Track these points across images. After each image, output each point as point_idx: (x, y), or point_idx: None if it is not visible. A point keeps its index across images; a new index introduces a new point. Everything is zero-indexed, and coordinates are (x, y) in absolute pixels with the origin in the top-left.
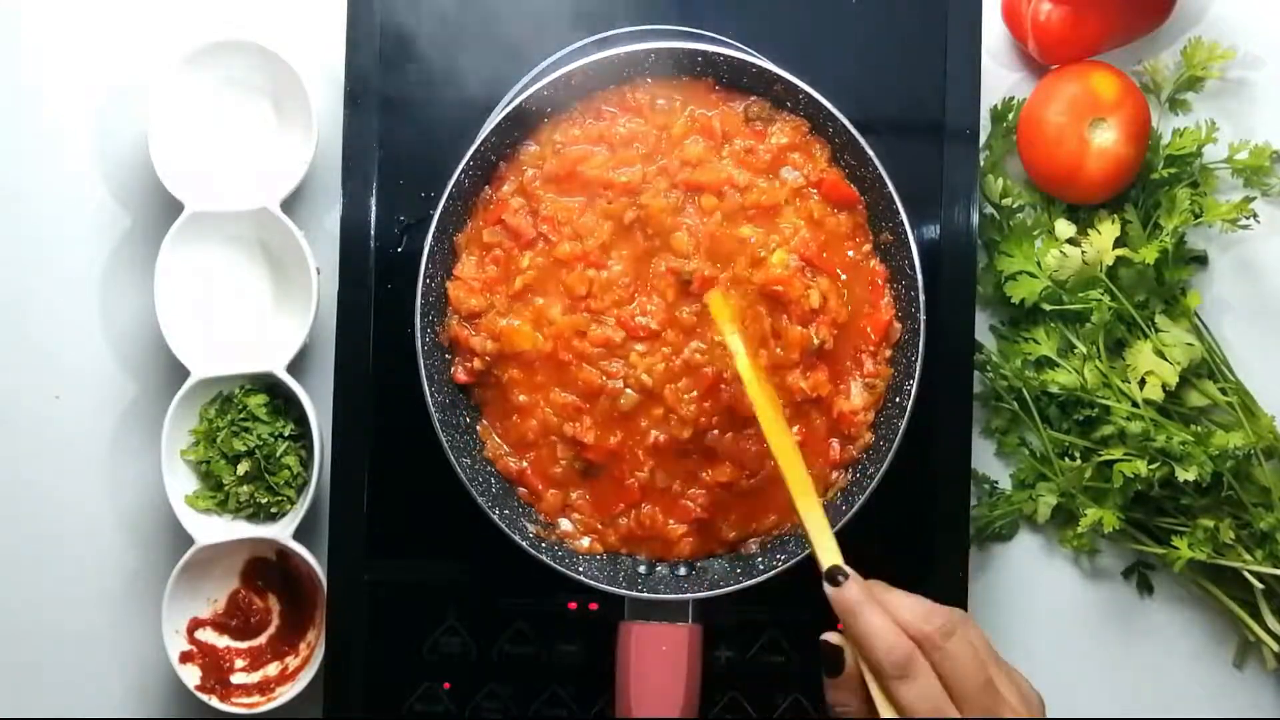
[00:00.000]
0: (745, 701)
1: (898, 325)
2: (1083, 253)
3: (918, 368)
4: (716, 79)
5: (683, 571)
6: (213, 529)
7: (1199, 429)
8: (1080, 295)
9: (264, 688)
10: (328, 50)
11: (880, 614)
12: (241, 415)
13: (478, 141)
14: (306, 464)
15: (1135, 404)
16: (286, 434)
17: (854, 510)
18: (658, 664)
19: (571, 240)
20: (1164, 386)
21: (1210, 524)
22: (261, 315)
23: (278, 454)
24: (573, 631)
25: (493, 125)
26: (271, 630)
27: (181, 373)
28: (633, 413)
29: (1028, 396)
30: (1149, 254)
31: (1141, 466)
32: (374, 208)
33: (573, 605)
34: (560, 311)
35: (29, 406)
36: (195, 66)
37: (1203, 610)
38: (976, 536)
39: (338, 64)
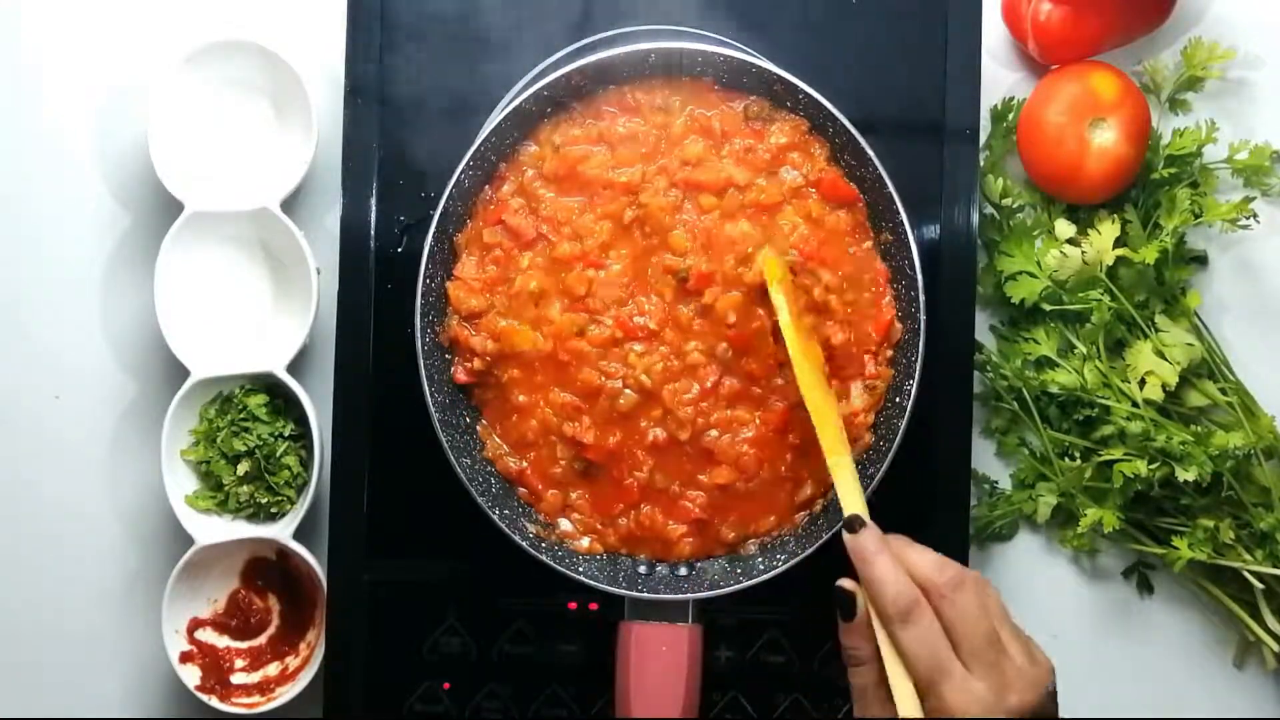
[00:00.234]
0: (745, 701)
1: (898, 325)
2: (1083, 253)
3: (918, 368)
4: (716, 79)
5: (683, 572)
6: (213, 529)
7: (1199, 429)
8: (1080, 295)
9: (264, 688)
10: (328, 50)
11: (891, 563)
12: (241, 415)
13: (478, 141)
14: (306, 464)
15: (1135, 404)
16: (286, 434)
17: None
18: (658, 664)
19: (571, 240)
20: (1164, 386)
21: (1210, 524)
22: (261, 315)
23: (278, 454)
24: (573, 631)
25: (493, 125)
26: (271, 630)
27: (181, 373)
28: (632, 413)
29: (1028, 396)
30: (1149, 254)
31: (1141, 466)
32: (374, 208)
33: (573, 605)
34: (559, 311)
35: (29, 406)
36: (195, 66)
37: (1203, 610)
38: (976, 536)
39: (338, 64)
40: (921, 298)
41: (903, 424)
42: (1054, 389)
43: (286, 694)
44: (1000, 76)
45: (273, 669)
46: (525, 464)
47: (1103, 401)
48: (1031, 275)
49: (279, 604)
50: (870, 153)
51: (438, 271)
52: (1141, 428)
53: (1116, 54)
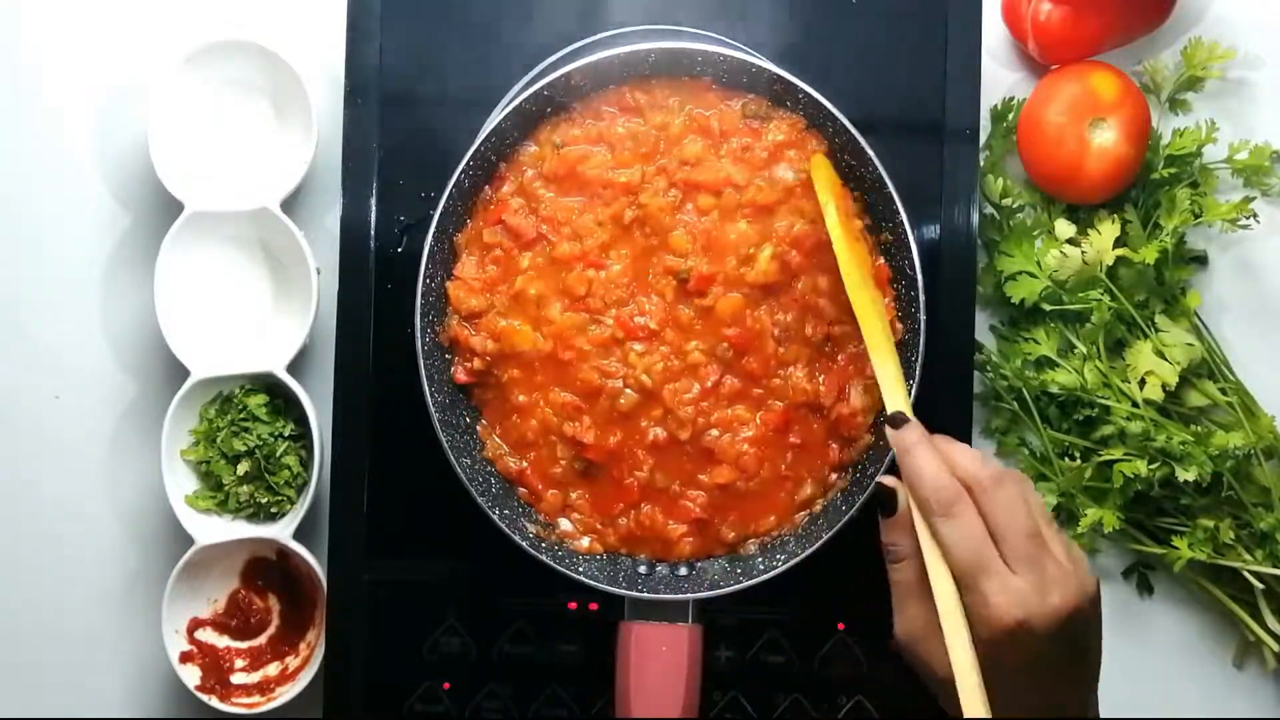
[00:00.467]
0: (745, 701)
1: (898, 326)
2: (1083, 253)
3: (918, 368)
4: (715, 79)
5: (683, 572)
6: (213, 529)
7: (1199, 429)
8: (1080, 295)
9: (264, 688)
10: (328, 50)
11: (933, 456)
12: (241, 415)
13: (478, 141)
14: (306, 464)
15: (1135, 404)
16: (286, 434)
17: (854, 510)
18: (658, 664)
19: (570, 240)
20: (1164, 386)
21: (1210, 524)
22: (261, 315)
23: (278, 454)
24: (573, 631)
25: (493, 125)
26: (271, 630)
27: (181, 373)
28: (632, 412)
29: (1028, 396)
30: (1149, 254)
31: (1141, 466)
32: (374, 208)
33: (573, 605)
34: (559, 311)
35: (29, 406)
36: (195, 66)
37: (1203, 610)
38: None
39: (338, 64)
40: (921, 298)
41: None
42: (1054, 389)
43: (286, 694)
44: (1000, 76)
45: (273, 669)
46: (525, 464)
47: (1103, 401)
48: (1031, 275)
49: (279, 604)
50: (870, 153)
51: (438, 271)
52: (1141, 428)
53: (1116, 54)
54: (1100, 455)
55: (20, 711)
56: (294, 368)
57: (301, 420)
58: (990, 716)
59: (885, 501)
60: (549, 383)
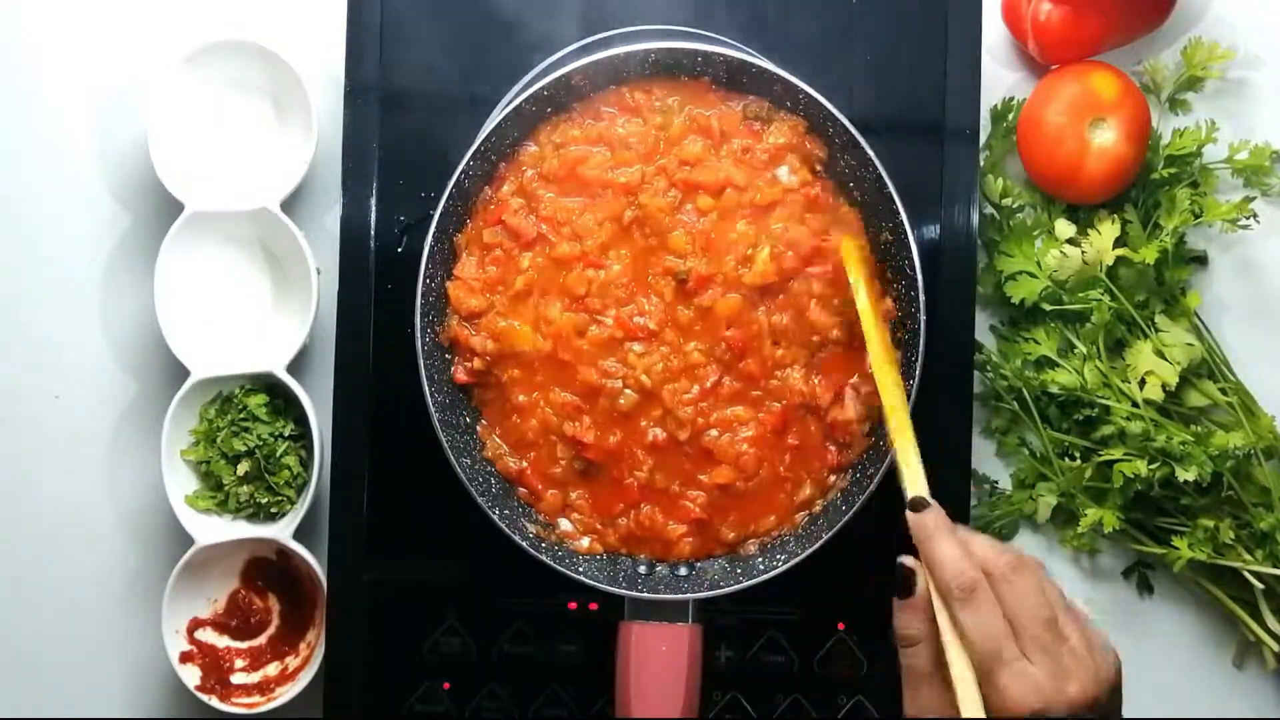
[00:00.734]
0: (745, 701)
1: (898, 325)
2: (1083, 253)
3: (918, 368)
4: (715, 79)
5: (683, 572)
6: (213, 529)
7: (1199, 429)
8: (1080, 295)
9: (264, 688)
10: (328, 50)
11: (954, 543)
12: (241, 415)
13: (478, 141)
14: (306, 464)
15: (1135, 404)
16: (286, 434)
17: (854, 511)
18: (658, 664)
19: (570, 240)
20: (1164, 386)
21: (1210, 524)
22: (261, 315)
23: (278, 454)
24: (573, 631)
25: (493, 125)
26: (271, 630)
27: (181, 373)
28: (632, 412)
29: (1028, 396)
30: (1149, 254)
31: (1141, 466)
32: (374, 208)
33: (573, 605)
34: (559, 311)
35: (29, 406)
36: (195, 66)
37: (1203, 610)
38: None
39: (338, 64)
40: (921, 298)
41: None
42: (1054, 389)
43: (286, 694)
44: (1000, 76)
45: (273, 669)
46: (525, 464)
47: (1103, 401)
48: (1031, 275)
49: (279, 604)
50: (870, 153)
51: (438, 271)
52: (1141, 428)
53: (1116, 54)
54: (1100, 455)
55: (20, 711)
56: (294, 368)
57: (301, 420)
58: None
59: (904, 582)
60: (549, 383)
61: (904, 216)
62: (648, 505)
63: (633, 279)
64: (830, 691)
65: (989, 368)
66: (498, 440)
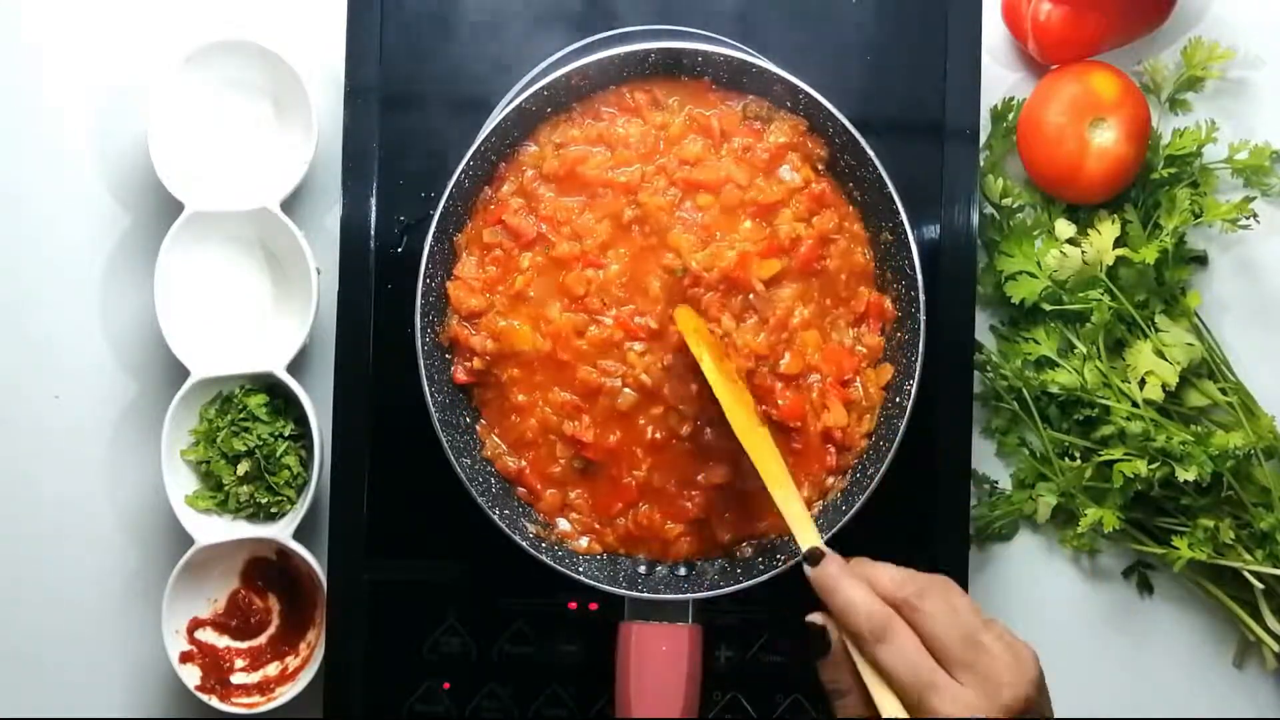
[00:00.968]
0: (745, 701)
1: (889, 306)
2: (1083, 253)
3: (918, 368)
4: (715, 79)
5: (682, 572)
6: (213, 529)
7: (1199, 429)
8: (1080, 295)
9: (264, 688)
10: (328, 50)
11: (858, 585)
12: (241, 415)
13: (478, 141)
14: (306, 464)
15: (1135, 404)
16: (286, 434)
17: (854, 510)
18: (658, 664)
19: (570, 240)
20: (1164, 386)
21: (1210, 524)
22: (261, 315)
23: (278, 454)
24: (573, 631)
25: (493, 125)
26: (271, 630)
27: (181, 373)
28: (631, 411)
29: (1028, 396)
30: (1149, 254)
31: (1141, 466)
32: (374, 208)
33: (573, 605)
34: (559, 311)
35: (29, 406)
36: (195, 66)
37: (1203, 610)
38: (976, 536)
39: (338, 64)
40: (921, 298)
41: (903, 424)
42: (1054, 389)
43: (286, 694)
44: (1000, 76)
45: (273, 669)
46: (524, 463)
47: (1103, 401)
48: (1031, 275)
49: (279, 604)
50: (870, 153)
51: (438, 271)
52: (1141, 428)
53: (1116, 54)
54: (1100, 455)
55: (20, 711)
56: (294, 368)
57: (301, 420)
58: None
59: (818, 641)
60: (549, 382)
61: (904, 216)
62: (645, 504)
63: (632, 278)
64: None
65: (989, 368)
66: (497, 440)
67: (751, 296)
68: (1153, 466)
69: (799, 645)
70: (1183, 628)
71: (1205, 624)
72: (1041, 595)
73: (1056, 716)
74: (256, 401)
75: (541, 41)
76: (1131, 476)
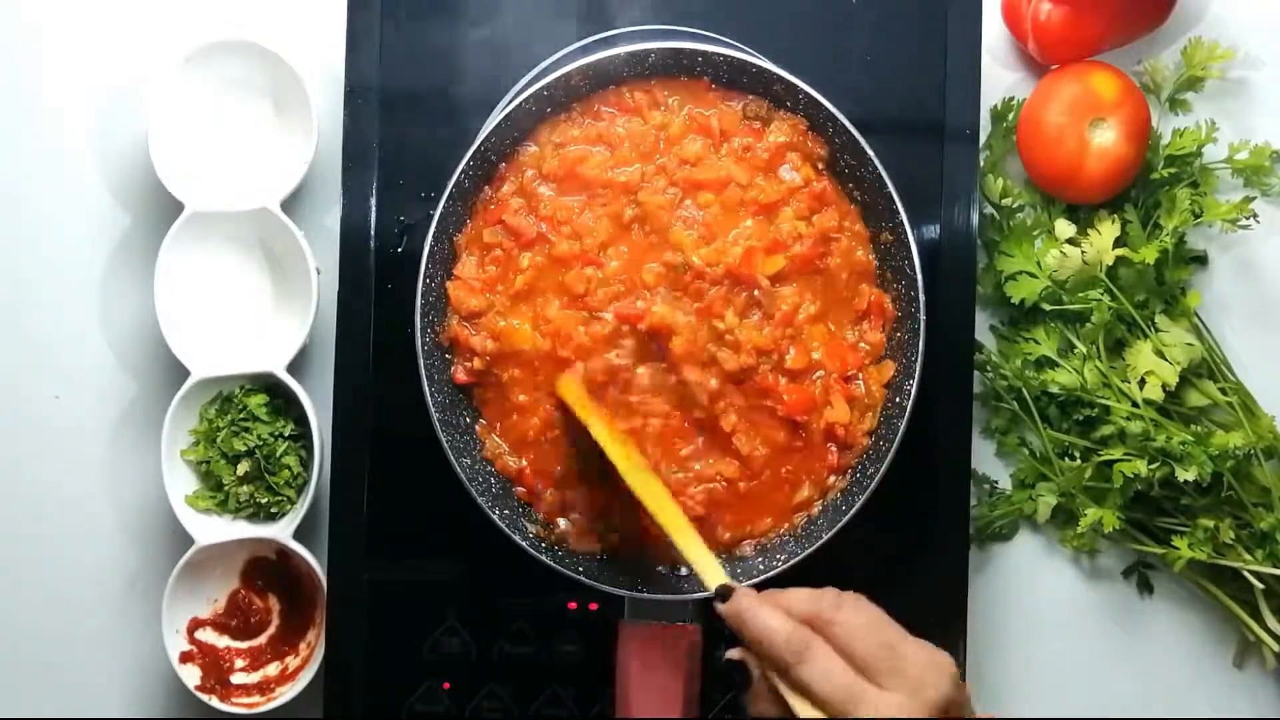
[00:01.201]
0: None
1: (889, 307)
2: (1083, 253)
3: (918, 368)
4: (715, 79)
5: (683, 571)
6: (213, 529)
7: (1199, 429)
8: (1080, 295)
9: (264, 688)
10: (328, 50)
11: (773, 612)
12: (241, 415)
13: (478, 141)
14: (306, 464)
15: (1135, 404)
16: (286, 434)
17: (854, 510)
18: (658, 664)
19: (570, 239)
20: (1164, 386)
21: (1210, 524)
22: (261, 315)
23: (278, 454)
24: (573, 631)
25: (493, 125)
26: (271, 630)
27: (181, 373)
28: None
29: (1028, 396)
30: (1149, 254)
31: (1141, 466)
32: (374, 208)
33: (573, 605)
34: (558, 310)
35: (29, 406)
36: (195, 66)
37: (1203, 610)
38: (976, 536)
39: (338, 64)
40: (921, 298)
41: (902, 424)
42: (1054, 389)
43: (286, 694)
44: (1000, 76)
45: (273, 669)
46: (525, 463)
47: (1103, 401)
48: (1031, 275)
49: (279, 604)
50: (870, 153)
51: (438, 271)
52: (1141, 428)
53: (1116, 54)
54: (1100, 455)
55: (20, 711)
56: (294, 368)
57: (301, 420)
58: None
59: (740, 675)
60: (550, 381)
61: (904, 216)
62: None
63: (631, 275)
64: None
65: (989, 368)
66: (497, 440)
67: (756, 293)
68: (1153, 466)
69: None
70: (1183, 628)
71: (1205, 624)
72: (1041, 595)
73: (1058, 717)
74: (256, 401)
75: (541, 41)
76: (1131, 476)
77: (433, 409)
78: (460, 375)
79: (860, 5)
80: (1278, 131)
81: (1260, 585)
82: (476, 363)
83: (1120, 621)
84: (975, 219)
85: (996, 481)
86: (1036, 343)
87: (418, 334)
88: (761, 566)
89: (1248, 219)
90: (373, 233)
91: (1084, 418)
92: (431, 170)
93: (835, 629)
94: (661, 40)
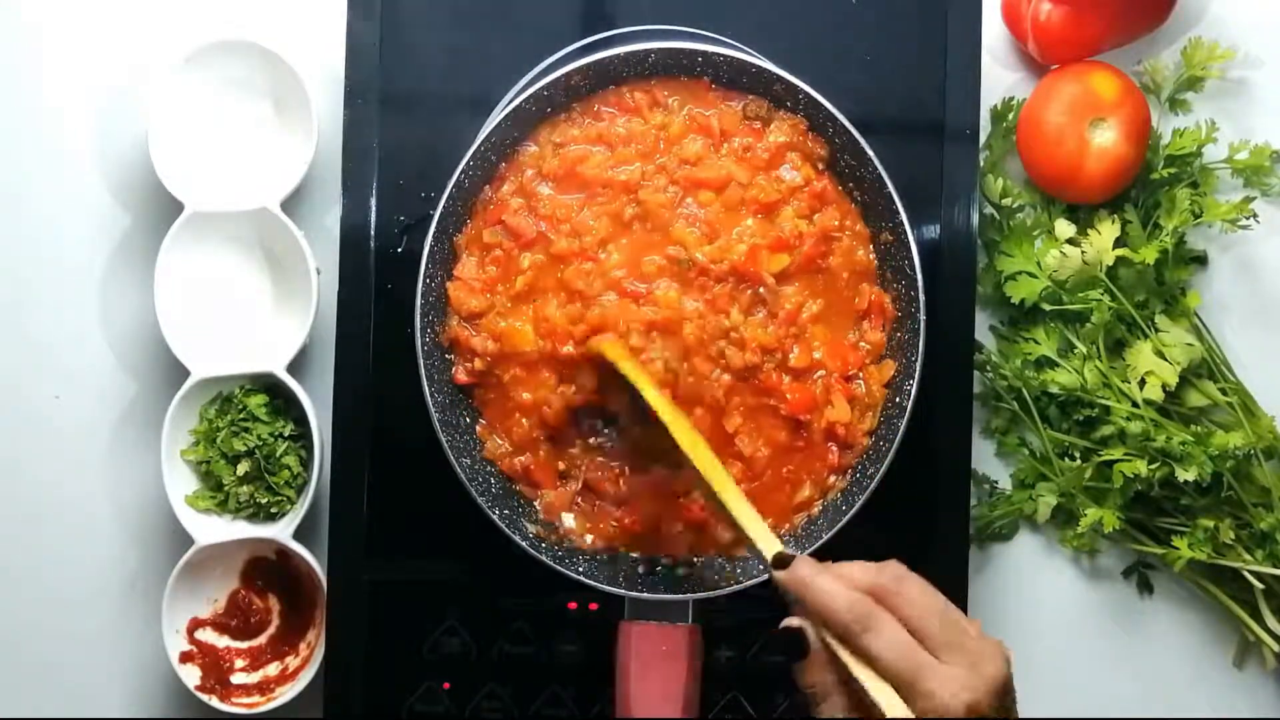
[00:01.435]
0: (745, 701)
1: (889, 307)
2: (1083, 253)
3: (918, 368)
4: (715, 79)
5: (682, 572)
6: (213, 529)
7: (1199, 429)
8: (1080, 295)
9: (264, 688)
10: (328, 50)
11: (833, 578)
12: (241, 415)
13: (478, 141)
14: (306, 464)
15: (1135, 404)
16: (286, 434)
17: (854, 510)
18: (658, 664)
19: (570, 237)
20: (1164, 386)
21: (1210, 524)
22: (261, 315)
23: (278, 454)
24: (573, 631)
25: (493, 125)
26: (271, 630)
27: (181, 373)
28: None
29: (1028, 396)
30: (1149, 254)
31: (1141, 466)
32: (374, 208)
33: (573, 605)
34: (556, 309)
35: (29, 406)
36: (195, 66)
37: (1203, 610)
38: (976, 536)
39: (338, 64)
40: (921, 298)
41: (902, 424)
42: (1054, 389)
43: (286, 694)
44: (1000, 76)
45: (273, 669)
46: (529, 460)
47: (1103, 401)
48: (1031, 275)
49: (279, 604)
50: (870, 153)
51: (438, 272)
52: (1141, 428)
53: (1116, 54)
54: (1100, 455)
55: (20, 711)
56: (294, 368)
57: (301, 420)
58: None
59: (795, 644)
60: (551, 381)
61: (904, 216)
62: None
63: (631, 269)
64: None
65: (989, 368)
66: (498, 440)
67: (762, 290)
68: (1153, 466)
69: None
70: (1183, 628)
71: (1205, 624)
72: (1041, 595)
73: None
74: (256, 401)
75: (541, 41)
76: (1131, 476)
77: (433, 409)
78: (461, 376)
79: (860, 5)
80: (1278, 131)
81: (1260, 585)
82: (477, 363)
83: (1120, 621)
84: (975, 219)
85: (996, 481)
86: (1036, 343)
87: (418, 334)
88: (762, 567)
89: (1248, 219)
90: (373, 233)
91: (1084, 418)
92: (431, 170)
93: (898, 600)
94: (661, 40)
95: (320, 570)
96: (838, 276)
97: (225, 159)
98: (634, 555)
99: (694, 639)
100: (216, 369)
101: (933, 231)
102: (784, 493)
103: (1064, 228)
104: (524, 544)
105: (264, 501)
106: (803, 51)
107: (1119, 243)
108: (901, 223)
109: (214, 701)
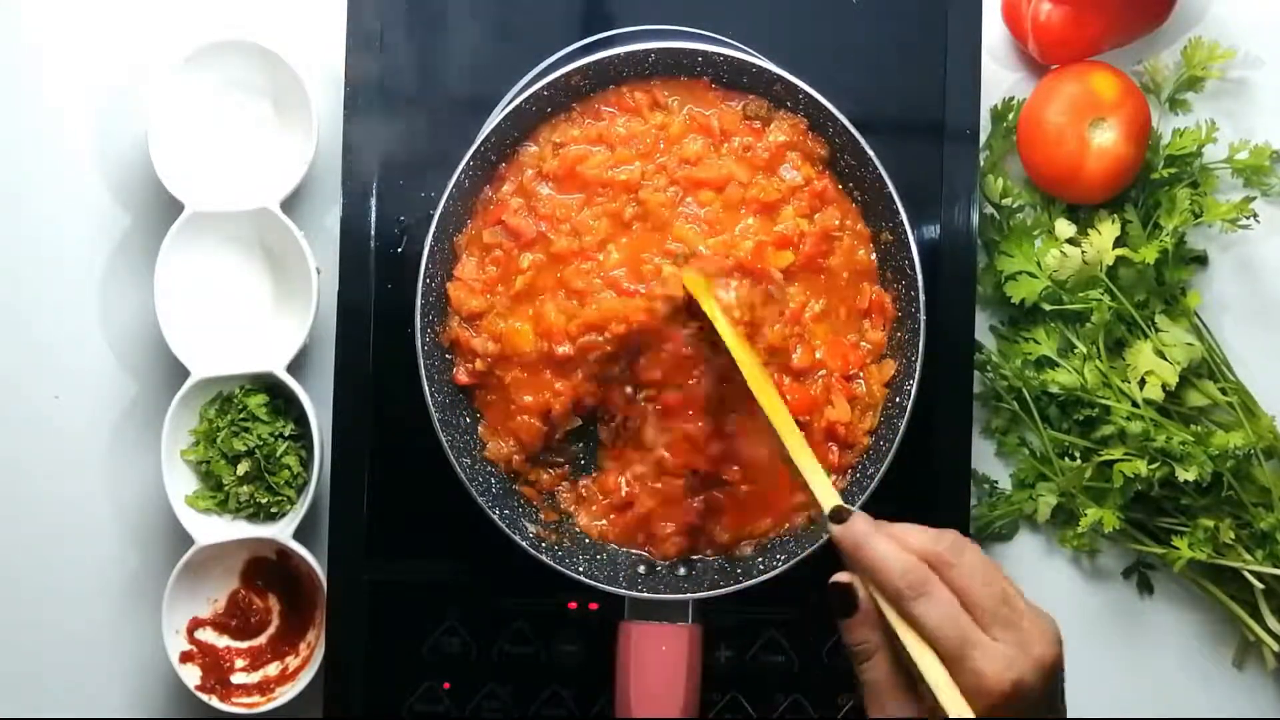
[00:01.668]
0: (745, 701)
1: (890, 307)
2: (1083, 253)
3: (918, 368)
4: (715, 79)
5: (682, 571)
6: (213, 529)
7: (1199, 429)
8: (1080, 295)
9: (264, 688)
10: (328, 50)
11: (889, 540)
12: (241, 415)
13: (478, 141)
14: (306, 464)
15: (1135, 404)
16: (286, 434)
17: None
18: (658, 664)
19: (570, 237)
20: (1164, 386)
21: (1210, 524)
22: (261, 315)
23: (278, 454)
24: (573, 631)
25: (493, 125)
26: (271, 630)
27: (181, 373)
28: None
29: (1028, 396)
30: (1149, 254)
31: (1141, 466)
32: (374, 208)
33: (573, 605)
34: (555, 310)
35: (29, 406)
36: (195, 66)
37: (1203, 610)
38: (976, 536)
39: (338, 64)
40: (921, 298)
41: (902, 424)
42: (1054, 389)
43: (286, 694)
44: (1000, 76)
45: (273, 669)
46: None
47: (1103, 401)
48: (1031, 275)
49: (279, 604)
50: (870, 153)
51: (438, 272)
52: (1141, 428)
53: (1116, 54)
54: (1100, 455)
55: (21, 712)
56: (294, 368)
57: (301, 420)
58: None
59: (845, 600)
60: (554, 378)
61: (904, 216)
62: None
63: (631, 268)
64: (830, 691)
65: (989, 368)
66: (500, 441)
67: (770, 288)
68: (1153, 466)
69: (804, 656)
70: (1183, 628)
71: (1205, 624)
72: (1041, 595)
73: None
74: (256, 401)
75: (541, 41)
76: (1131, 476)
77: (433, 409)
78: (461, 377)
79: (860, 5)
80: (1278, 131)
81: (1260, 585)
82: (478, 364)
83: (1120, 621)
84: (975, 219)
85: (996, 481)
86: (1036, 343)
87: (418, 334)
88: (762, 566)
89: (1248, 219)
90: (373, 233)
91: (1084, 418)
92: (431, 170)
93: (955, 572)
94: (661, 40)
95: (320, 570)
96: (838, 276)
97: (225, 159)
98: (634, 555)
99: (694, 639)
100: (216, 369)
101: (933, 231)
102: (784, 493)
103: (1064, 228)
104: (524, 544)
105: (264, 501)
106: (803, 51)
107: (1119, 242)
108: (901, 223)
109: (214, 701)
